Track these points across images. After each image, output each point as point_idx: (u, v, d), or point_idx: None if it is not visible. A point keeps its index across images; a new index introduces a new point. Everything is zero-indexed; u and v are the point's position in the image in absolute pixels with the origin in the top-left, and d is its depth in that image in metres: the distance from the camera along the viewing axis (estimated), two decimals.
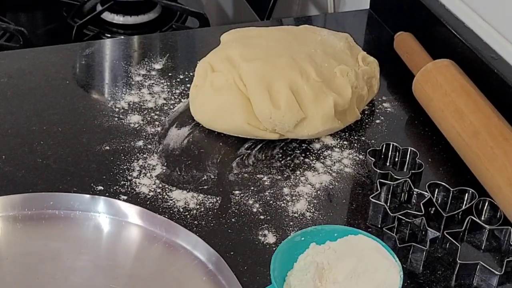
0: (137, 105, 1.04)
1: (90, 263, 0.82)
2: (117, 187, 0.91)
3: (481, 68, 1.01)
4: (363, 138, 1.01)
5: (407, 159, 0.96)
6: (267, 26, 1.10)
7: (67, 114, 1.02)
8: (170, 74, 1.10)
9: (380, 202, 0.88)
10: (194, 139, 0.99)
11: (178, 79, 1.09)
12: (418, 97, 1.03)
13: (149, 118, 1.02)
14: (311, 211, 0.89)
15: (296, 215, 0.89)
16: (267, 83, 0.96)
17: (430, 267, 0.83)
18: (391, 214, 0.86)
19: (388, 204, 0.89)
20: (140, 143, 0.97)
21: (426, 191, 0.89)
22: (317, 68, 0.99)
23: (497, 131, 0.90)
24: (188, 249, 0.84)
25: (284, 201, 0.90)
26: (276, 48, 1.01)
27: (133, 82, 1.08)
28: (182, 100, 1.05)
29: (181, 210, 0.88)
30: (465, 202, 0.90)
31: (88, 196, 0.87)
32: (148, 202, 0.89)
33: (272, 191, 0.92)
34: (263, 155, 0.97)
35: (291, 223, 0.87)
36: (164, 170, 0.94)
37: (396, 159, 0.96)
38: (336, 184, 0.93)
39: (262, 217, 0.88)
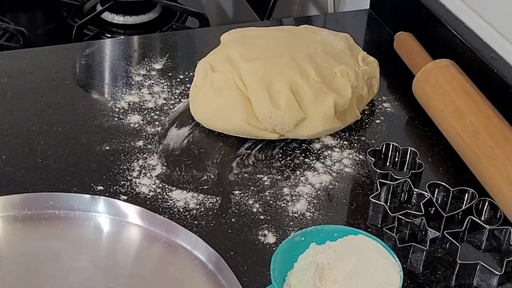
0: (137, 105, 1.04)
1: (90, 263, 0.82)
2: (117, 187, 0.91)
3: (481, 68, 1.01)
4: (363, 138, 1.01)
5: (407, 159, 0.96)
6: (267, 26, 1.10)
7: (67, 114, 1.02)
8: (170, 74, 1.10)
9: (380, 202, 0.88)
10: (194, 139, 0.99)
11: (178, 79, 1.09)
12: (418, 97, 1.03)
13: (149, 118, 1.02)
14: (311, 211, 0.89)
15: (296, 215, 0.89)
16: (267, 83, 0.96)
17: (430, 267, 0.83)
18: (391, 214, 0.86)
19: (388, 204, 0.89)
20: (140, 143, 0.97)
21: (426, 191, 0.89)
22: (317, 68, 0.99)
23: (497, 131, 0.90)
24: (188, 249, 0.84)
25: (284, 201, 0.90)
26: (276, 48, 1.01)
27: (133, 82, 1.08)
28: (182, 100, 1.05)
29: (181, 210, 0.88)
30: (465, 202, 0.90)
31: (88, 196, 0.87)
32: (148, 202, 0.89)
33: (272, 191, 0.92)
34: (263, 155, 0.97)
35: (291, 223, 0.87)
36: (164, 170, 0.94)
37: (396, 159, 0.96)
38: (336, 184, 0.93)
39: (262, 217, 0.88)
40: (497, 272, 0.81)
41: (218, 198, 0.90)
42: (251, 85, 0.97)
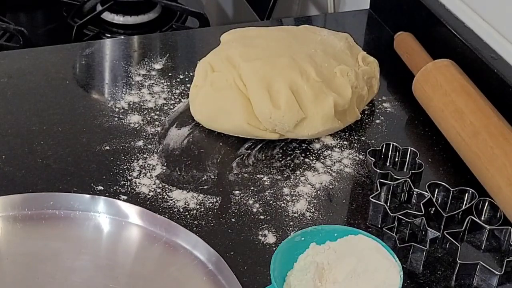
0: (137, 105, 1.04)
1: (90, 263, 0.82)
2: (117, 187, 0.91)
3: (481, 68, 1.01)
4: (363, 138, 1.01)
5: (407, 159, 0.96)
6: (267, 26, 1.10)
7: (67, 114, 1.02)
8: (170, 74, 1.10)
9: (380, 202, 0.88)
10: (194, 139, 0.99)
11: (178, 79, 1.09)
12: (418, 97, 1.03)
13: (149, 118, 1.02)
14: (311, 211, 0.89)
15: (296, 215, 0.89)
16: (267, 83, 0.96)
17: (430, 267, 0.83)
18: (391, 214, 0.86)
19: (388, 204, 0.89)
20: (140, 143, 0.97)
21: (426, 191, 0.89)
22: (317, 68, 0.99)
23: (497, 131, 0.90)
24: (188, 249, 0.84)
25: (284, 201, 0.90)
26: (276, 48, 1.01)
27: (133, 82, 1.08)
28: (182, 100, 1.05)
29: (181, 210, 0.88)
30: (465, 202, 0.90)
31: (88, 196, 0.87)
32: (148, 202, 0.89)
33: (272, 191, 0.92)
34: (263, 155, 0.97)
35: (291, 223, 0.87)
36: (164, 170, 0.94)
37: (396, 159, 0.96)
38: (336, 184, 0.93)
39: (262, 217, 0.88)
40: (497, 272, 0.81)
41: (218, 198, 0.90)
42: (251, 85, 0.97)
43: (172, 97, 1.06)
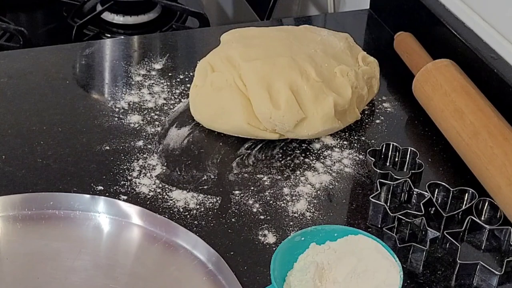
0: (137, 105, 1.04)
1: (90, 263, 0.82)
2: (117, 187, 0.91)
3: (481, 68, 1.01)
4: (363, 138, 1.01)
5: (407, 159, 0.96)
6: (267, 26, 1.10)
7: (67, 114, 1.02)
8: (170, 74, 1.10)
9: (380, 202, 0.88)
10: (194, 139, 0.99)
11: (178, 79, 1.09)
12: (418, 97, 1.03)
13: (149, 118, 1.02)
14: (311, 211, 0.89)
15: (296, 215, 0.89)
16: (267, 83, 0.96)
17: (430, 267, 0.83)
18: (391, 214, 0.86)
19: (388, 204, 0.89)
20: (140, 143, 0.97)
21: (426, 191, 0.89)
22: (317, 68, 0.99)
23: (497, 131, 0.90)
24: (188, 249, 0.84)
25: (284, 201, 0.90)
26: (276, 48, 1.01)
27: (133, 82, 1.08)
28: (182, 100, 1.05)
29: (181, 210, 0.88)
30: (465, 202, 0.90)
31: (88, 196, 0.87)
32: (148, 202, 0.89)
33: (272, 191, 0.92)
34: (263, 155, 0.97)
35: (291, 223, 0.87)
36: (164, 170, 0.94)
37: (396, 159, 0.96)
38: (336, 184, 0.93)
39: (262, 217, 0.88)
40: (497, 272, 0.81)
41: (218, 198, 0.90)
42: (251, 85, 0.97)
43: (172, 97, 1.06)
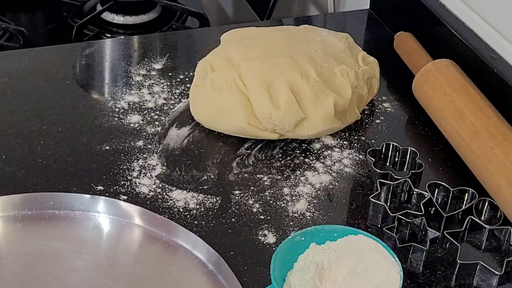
0: (137, 105, 1.04)
1: (90, 263, 0.82)
2: (117, 187, 0.91)
3: (481, 68, 1.01)
4: (363, 138, 1.01)
5: (407, 159, 0.96)
6: (267, 26, 1.10)
7: (67, 114, 1.02)
8: (170, 74, 1.10)
9: (380, 202, 0.88)
10: (194, 139, 0.99)
11: (178, 79, 1.09)
12: (418, 97, 1.03)
13: (149, 118, 1.02)
14: (311, 211, 0.89)
15: (296, 215, 0.89)
16: (267, 83, 0.96)
17: (430, 267, 0.83)
18: (391, 214, 0.86)
19: (388, 204, 0.89)
20: (140, 143, 0.97)
21: (426, 191, 0.89)
22: (317, 68, 0.99)
23: (497, 131, 0.90)
24: (188, 249, 0.84)
25: (284, 201, 0.90)
26: (276, 48, 1.01)
27: (133, 82, 1.08)
28: (182, 100, 1.05)
29: (181, 210, 0.88)
30: (465, 202, 0.90)
31: (88, 196, 0.87)
32: (148, 202, 0.89)
33: (272, 191, 0.92)
34: (263, 155, 0.97)
35: (291, 223, 0.87)
36: (164, 170, 0.94)
37: (396, 159, 0.96)
38: (336, 184, 0.93)
39: (262, 217, 0.88)
40: (497, 272, 0.81)
41: (218, 198, 0.90)
42: (251, 85, 0.97)
43: (172, 97, 1.06)
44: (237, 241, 0.85)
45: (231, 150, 0.98)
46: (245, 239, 0.85)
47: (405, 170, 0.96)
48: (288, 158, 0.97)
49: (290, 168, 0.95)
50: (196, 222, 0.87)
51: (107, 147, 0.96)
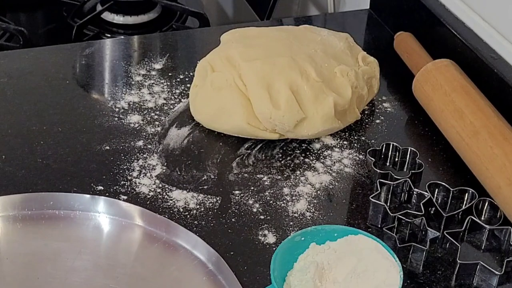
0: (137, 105, 1.04)
1: (90, 263, 0.82)
2: (117, 187, 0.91)
3: (481, 68, 1.01)
4: (363, 138, 1.01)
5: (407, 159, 0.96)
6: (267, 26, 1.10)
7: (67, 114, 1.02)
8: (170, 74, 1.10)
9: (380, 202, 0.88)
10: (194, 139, 0.99)
11: (178, 79, 1.09)
12: (418, 97, 1.03)
13: (149, 118, 1.02)
14: (311, 211, 0.89)
15: (296, 215, 0.89)
16: (267, 83, 0.96)
17: (430, 267, 0.83)
18: (391, 214, 0.86)
19: (388, 204, 0.89)
20: (140, 143, 0.97)
21: (426, 191, 0.89)
22: (317, 68, 0.99)
23: (497, 131, 0.90)
24: (188, 249, 0.84)
25: (284, 201, 0.90)
26: (276, 48, 1.01)
27: (133, 82, 1.08)
28: (182, 100, 1.05)
29: (181, 210, 0.88)
30: (465, 202, 0.90)
31: (88, 196, 0.87)
32: (148, 202, 0.89)
33: (272, 191, 0.92)
34: (263, 155, 0.97)
35: (291, 223, 0.87)
36: (164, 170, 0.94)
37: (396, 159, 0.96)
38: (336, 184, 0.93)
39: (262, 217, 0.88)
40: (497, 272, 0.81)
41: (218, 198, 0.90)
42: (251, 85, 0.97)
43: (172, 97, 1.06)
44: (237, 241, 0.85)
45: (231, 150, 0.98)
46: (245, 239, 0.85)
47: (405, 170, 0.96)
48: (288, 158, 0.97)
49: (290, 168, 0.95)
50: (196, 222, 0.87)
51: (107, 147, 0.96)
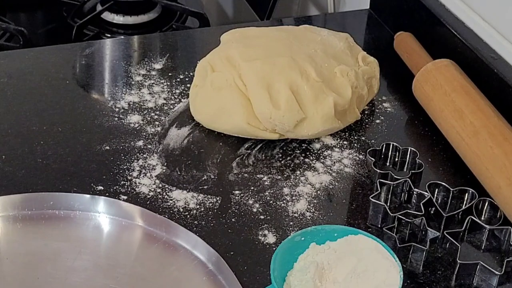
0: (137, 105, 1.04)
1: (90, 263, 0.82)
2: (117, 187, 0.91)
3: (481, 68, 1.01)
4: (363, 138, 1.01)
5: (407, 159, 0.96)
6: (267, 26, 1.10)
7: (67, 114, 1.02)
8: (170, 74, 1.10)
9: (380, 202, 0.88)
10: (194, 139, 0.99)
11: (178, 79, 1.09)
12: (418, 97, 1.03)
13: (149, 118, 1.02)
14: (311, 211, 0.89)
15: (296, 215, 0.89)
16: (267, 83, 0.96)
17: (430, 267, 0.83)
18: (391, 214, 0.86)
19: (388, 204, 0.89)
20: (140, 143, 0.97)
21: (426, 191, 0.89)
22: (317, 68, 0.99)
23: (497, 131, 0.90)
24: (188, 249, 0.84)
25: (284, 201, 0.90)
26: (276, 48, 1.01)
27: (133, 82, 1.08)
28: (182, 100, 1.05)
29: (181, 210, 0.88)
30: (465, 202, 0.90)
31: (88, 196, 0.87)
32: (148, 202, 0.89)
33: (272, 191, 0.92)
34: (263, 155, 0.97)
35: (291, 223, 0.87)
36: (164, 170, 0.94)
37: (396, 159, 0.96)
38: (336, 184, 0.93)
39: (262, 217, 0.88)
40: (497, 272, 0.81)
41: (218, 198, 0.90)
42: (251, 85, 0.97)
43: (172, 97, 1.06)
44: (237, 241, 0.85)
45: (231, 150, 0.98)
46: (245, 239, 0.85)
47: (405, 170, 0.96)
48: (288, 158, 0.97)
49: (290, 168, 0.95)
50: (196, 222, 0.87)
51: (107, 147, 0.96)
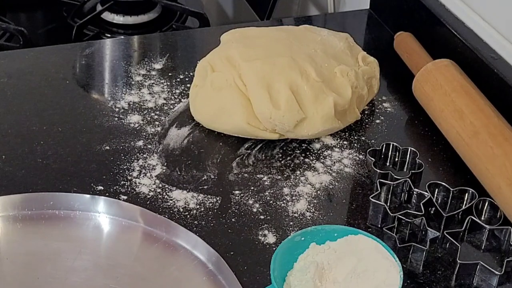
0: (137, 105, 1.04)
1: (90, 263, 0.82)
2: (117, 187, 0.91)
3: (481, 68, 1.01)
4: (363, 138, 1.01)
5: (407, 159, 0.96)
6: (267, 26, 1.10)
7: (67, 114, 1.02)
8: (170, 74, 1.10)
9: (380, 202, 0.88)
10: (194, 139, 0.99)
11: (178, 79, 1.09)
12: (418, 97, 1.03)
13: (149, 118, 1.02)
14: (311, 211, 0.89)
15: (296, 215, 0.89)
16: (267, 83, 0.96)
17: (430, 267, 0.83)
18: (391, 214, 0.86)
19: (388, 204, 0.89)
20: (140, 143, 0.98)
21: (426, 191, 0.89)
22: (317, 68, 0.99)
23: (497, 131, 0.90)
24: (188, 249, 0.84)
25: (284, 201, 0.90)
26: (276, 48, 1.01)
27: (133, 82, 1.08)
28: (182, 100, 1.05)
29: (181, 210, 0.88)
30: (465, 202, 0.90)
31: (88, 196, 0.87)
32: (148, 202, 0.89)
33: (272, 191, 0.92)
34: (263, 155, 0.97)
35: (291, 223, 0.87)
36: (164, 170, 0.94)
37: (396, 159, 0.96)
38: (336, 184, 0.93)
39: (262, 217, 0.88)
40: (497, 272, 0.81)
41: (218, 198, 0.90)
42: (251, 85, 0.97)
43: (172, 97, 1.06)
44: (237, 241, 0.85)
45: (231, 150, 0.98)
46: (245, 239, 0.85)
47: (405, 170, 0.96)
48: (288, 158, 0.97)
49: (290, 168, 0.95)
50: (196, 222, 0.87)
51: (107, 147, 0.96)
